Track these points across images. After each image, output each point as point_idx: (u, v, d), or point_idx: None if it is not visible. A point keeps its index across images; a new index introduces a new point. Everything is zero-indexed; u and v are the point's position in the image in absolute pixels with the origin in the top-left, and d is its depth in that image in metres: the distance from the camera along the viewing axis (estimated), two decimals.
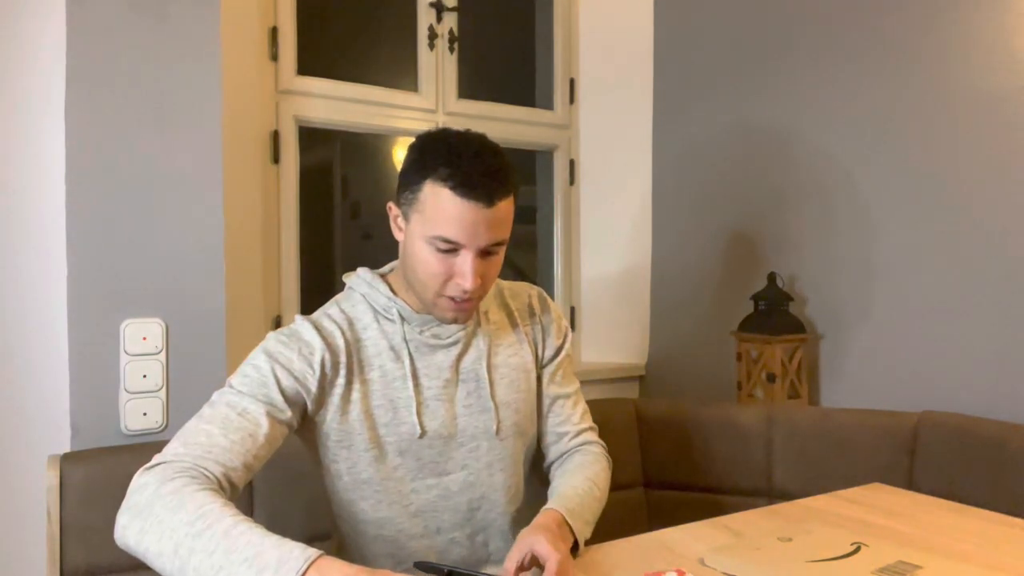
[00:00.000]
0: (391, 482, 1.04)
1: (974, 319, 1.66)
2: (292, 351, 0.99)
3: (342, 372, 1.02)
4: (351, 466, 1.04)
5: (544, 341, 1.19)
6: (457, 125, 1.13)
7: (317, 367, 1.00)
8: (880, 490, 1.30)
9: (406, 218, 1.02)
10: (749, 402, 1.93)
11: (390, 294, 1.07)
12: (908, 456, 1.50)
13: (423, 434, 1.04)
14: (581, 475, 1.11)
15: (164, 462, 0.86)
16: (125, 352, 1.31)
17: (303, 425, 1.03)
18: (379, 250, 2.05)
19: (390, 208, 1.07)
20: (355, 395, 1.02)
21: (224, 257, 1.40)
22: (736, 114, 2.18)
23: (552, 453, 1.19)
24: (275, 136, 1.69)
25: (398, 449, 1.04)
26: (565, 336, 1.21)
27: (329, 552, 0.75)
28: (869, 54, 1.86)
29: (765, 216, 2.11)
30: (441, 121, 1.94)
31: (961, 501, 1.22)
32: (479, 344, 1.11)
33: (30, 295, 1.31)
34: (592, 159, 2.30)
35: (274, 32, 1.69)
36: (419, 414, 1.04)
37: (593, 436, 1.21)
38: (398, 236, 1.06)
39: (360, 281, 1.10)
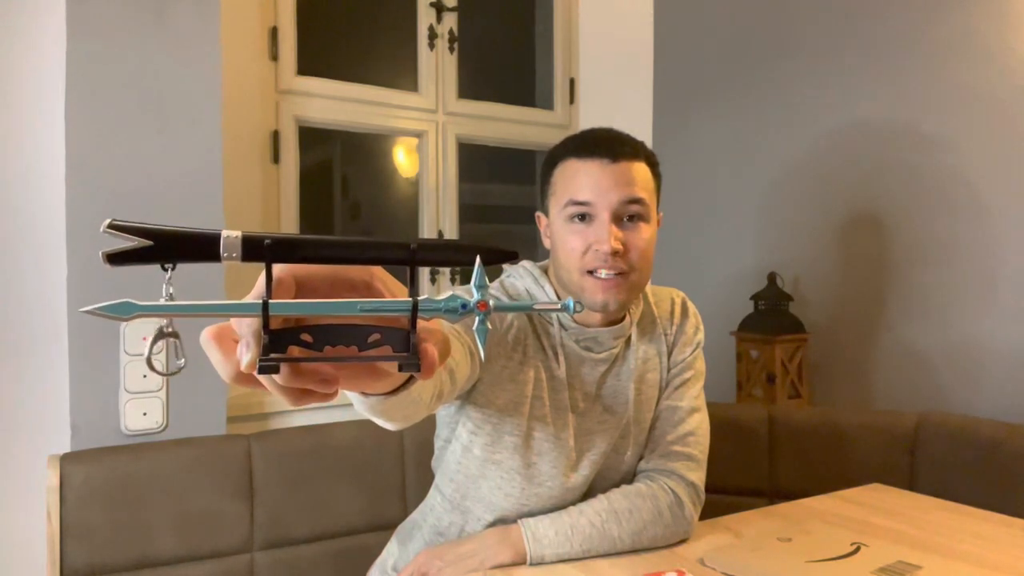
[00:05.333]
0: (519, 469, 1.02)
1: (974, 319, 1.66)
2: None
3: (519, 349, 1.02)
4: (489, 443, 1.02)
5: (673, 350, 1.14)
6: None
7: (504, 326, 1.01)
8: (880, 490, 1.30)
9: (547, 213, 1.05)
10: (749, 402, 1.93)
11: (555, 297, 1.06)
12: (908, 456, 1.50)
13: (567, 441, 1.03)
14: (605, 500, 1.03)
15: None
16: (125, 352, 1.31)
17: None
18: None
19: (539, 219, 1.09)
20: (520, 378, 1.02)
21: (224, 268, 1.39)
22: (735, 114, 2.18)
23: (639, 466, 1.11)
24: (275, 136, 1.69)
25: (539, 448, 1.03)
26: (695, 348, 1.14)
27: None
28: (869, 53, 1.85)
29: (765, 216, 2.11)
30: (441, 121, 1.94)
31: (961, 501, 1.22)
32: (629, 364, 1.09)
33: (30, 295, 1.31)
34: None
35: (274, 32, 1.69)
36: (569, 421, 1.04)
37: (673, 464, 1.07)
38: (547, 243, 1.07)
39: (526, 274, 1.09)
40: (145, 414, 1.33)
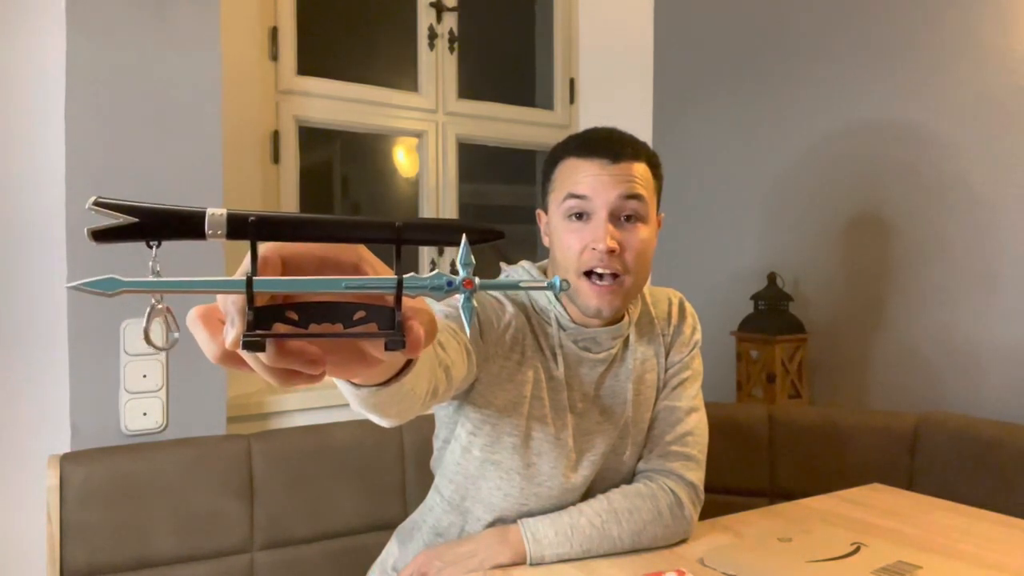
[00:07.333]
0: (518, 469, 1.02)
1: (974, 319, 1.66)
2: (485, 298, 1.01)
3: (517, 349, 1.02)
4: (488, 443, 1.02)
5: (671, 351, 1.14)
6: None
7: (502, 326, 1.01)
8: (880, 490, 1.30)
9: (547, 210, 1.05)
10: (749, 402, 1.93)
11: (553, 298, 1.05)
12: (908, 456, 1.50)
13: (566, 442, 1.03)
14: (604, 500, 1.03)
15: None
16: (125, 352, 1.31)
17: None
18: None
19: (539, 216, 1.09)
20: (518, 378, 1.01)
21: (224, 257, 1.40)
22: (735, 114, 2.18)
23: (638, 467, 1.11)
24: (275, 136, 1.69)
25: (539, 448, 1.03)
26: (692, 348, 1.15)
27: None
28: (869, 53, 1.85)
29: (765, 216, 2.11)
30: (441, 121, 1.94)
31: (961, 501, 1.22)
32: (627, 364, 1.09)
33: (30, 295, 1.31)
34: None
35: (274, 32, 1.69)
36: (568, 421, 1.04)
37: (672, 464, 1.07)
38: (546, 241, 1.07)
39: (524, 274, 1.09)
40: (145, 414, 1.33)
